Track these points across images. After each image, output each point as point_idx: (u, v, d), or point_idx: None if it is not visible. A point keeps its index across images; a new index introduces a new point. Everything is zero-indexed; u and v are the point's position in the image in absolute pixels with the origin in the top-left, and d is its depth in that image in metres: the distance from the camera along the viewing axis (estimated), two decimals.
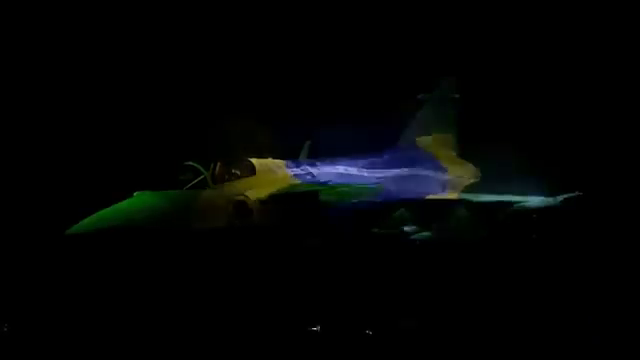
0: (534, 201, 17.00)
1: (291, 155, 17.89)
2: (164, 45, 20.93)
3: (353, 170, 18.05)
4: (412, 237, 17.36)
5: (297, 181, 16.65)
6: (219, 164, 15.14)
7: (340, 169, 17.80)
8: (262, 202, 15.38)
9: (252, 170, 16.06)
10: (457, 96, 21.27)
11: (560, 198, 16.41)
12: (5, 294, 14.05)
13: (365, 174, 18.20)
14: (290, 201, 15.76)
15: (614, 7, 20.90)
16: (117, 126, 20.06)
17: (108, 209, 13.60)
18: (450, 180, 20.05)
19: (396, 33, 21.97)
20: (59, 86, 20.09)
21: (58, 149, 19.53)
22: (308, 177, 16.97)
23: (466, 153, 21.16)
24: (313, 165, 17.47)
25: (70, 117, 19.94)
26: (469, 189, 19.49)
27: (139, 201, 14.04)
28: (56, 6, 19.87)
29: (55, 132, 19.73)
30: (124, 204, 13.89)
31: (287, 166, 16.94)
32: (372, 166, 18.63)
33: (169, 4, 20.96)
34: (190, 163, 14.85)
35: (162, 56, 20.94)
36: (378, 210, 17.25)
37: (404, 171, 19.14)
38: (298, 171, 16.94)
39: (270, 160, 16.73)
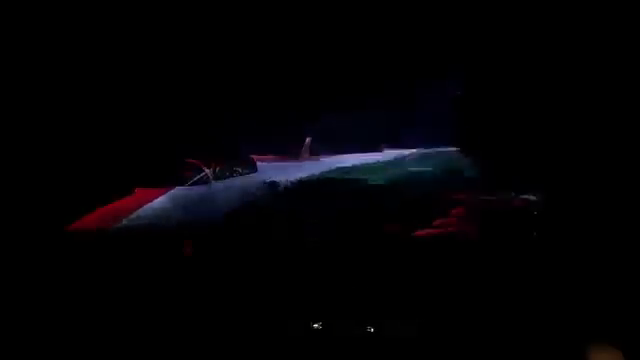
0: (535, 198, 17.02)
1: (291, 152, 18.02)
2: (162, 41, 20.86)
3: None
4: (412, 233, 17.36)
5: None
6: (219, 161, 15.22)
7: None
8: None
9: (253, 167, 16.13)
10: (458, 93, 21.33)
11: (561, 195, 16.41)
12: (4, 292, 13.99)
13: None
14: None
15: (615, 7, 20.87)
16: (118, 122, 20.00)
17: (109, 206, 13.64)
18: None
19: (397, 30, 21.91)
20: (58, 84, 20.02)
21: (58, 146, 19.48)
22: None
23: (467, 150, 21.13)
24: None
25: (69, 114, 19.88)
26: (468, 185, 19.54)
27: (140, 198, 14.07)
28: (56, 6, 19.79)
29: (55, 129, 19.67)
30: (125, 201, 13.92)
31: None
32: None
33: (170, 3, 20.89)
34: (191, 160, 14.91)
35: (160, 53, 20.87)
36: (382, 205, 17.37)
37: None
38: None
39: (271, 157, 16.80)
